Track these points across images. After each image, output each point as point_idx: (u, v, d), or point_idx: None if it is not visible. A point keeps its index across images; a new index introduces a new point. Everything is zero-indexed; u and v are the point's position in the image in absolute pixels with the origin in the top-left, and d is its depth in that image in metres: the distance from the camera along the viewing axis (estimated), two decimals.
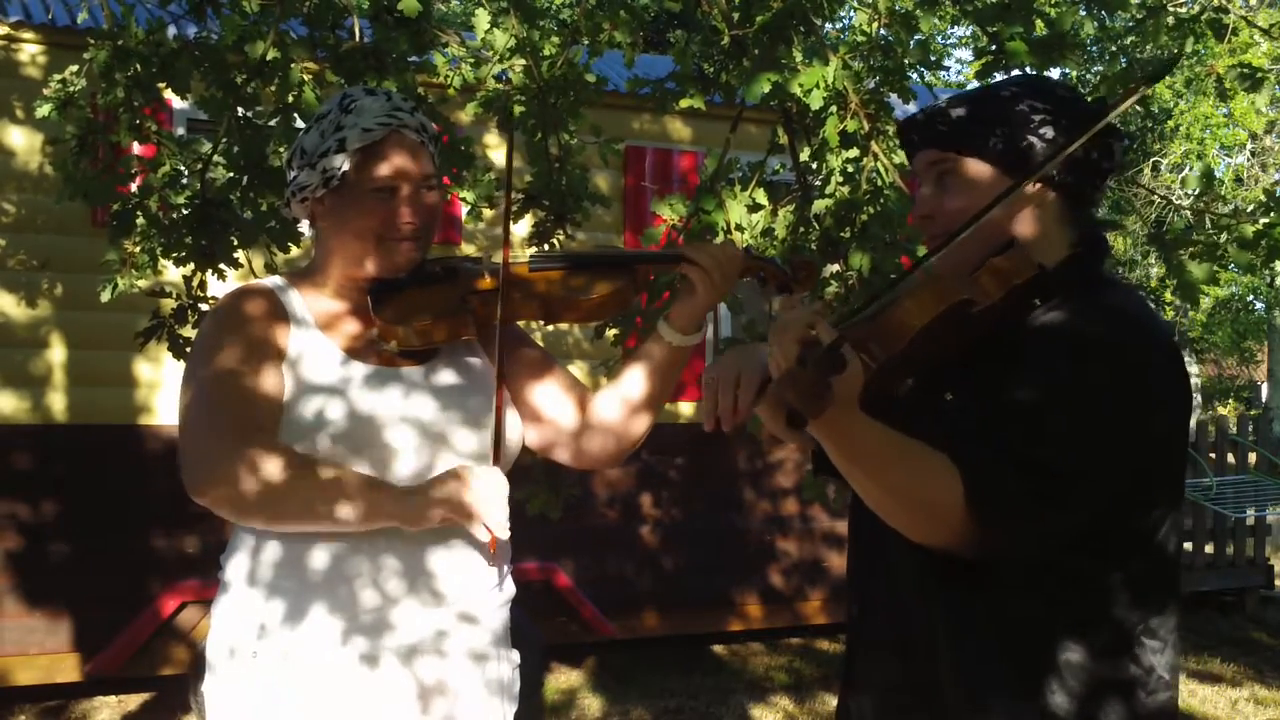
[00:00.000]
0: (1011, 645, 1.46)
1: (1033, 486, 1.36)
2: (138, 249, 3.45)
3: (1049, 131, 1.52)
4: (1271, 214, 2.71)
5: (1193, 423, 7.61)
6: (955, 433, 1.41)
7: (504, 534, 1.78)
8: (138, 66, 3.19)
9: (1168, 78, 15.68)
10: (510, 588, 1.97)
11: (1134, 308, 1.52)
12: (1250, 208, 2.82)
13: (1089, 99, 1.61)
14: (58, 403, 5.70)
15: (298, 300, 1.90)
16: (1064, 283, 1.51)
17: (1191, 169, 15.82)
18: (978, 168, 1.54)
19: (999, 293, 1.45)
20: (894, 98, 3.10)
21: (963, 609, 1.47)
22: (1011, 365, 1.45)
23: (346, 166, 1.85)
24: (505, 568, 1.95)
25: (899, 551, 1.50)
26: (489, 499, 1.77)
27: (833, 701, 5.85)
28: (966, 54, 19.52)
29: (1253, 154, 16.45)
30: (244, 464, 1.70)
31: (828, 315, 1.36)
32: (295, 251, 3.41)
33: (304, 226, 2.00)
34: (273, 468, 1.71)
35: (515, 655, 1.98)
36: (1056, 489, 1.37)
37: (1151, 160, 16.28)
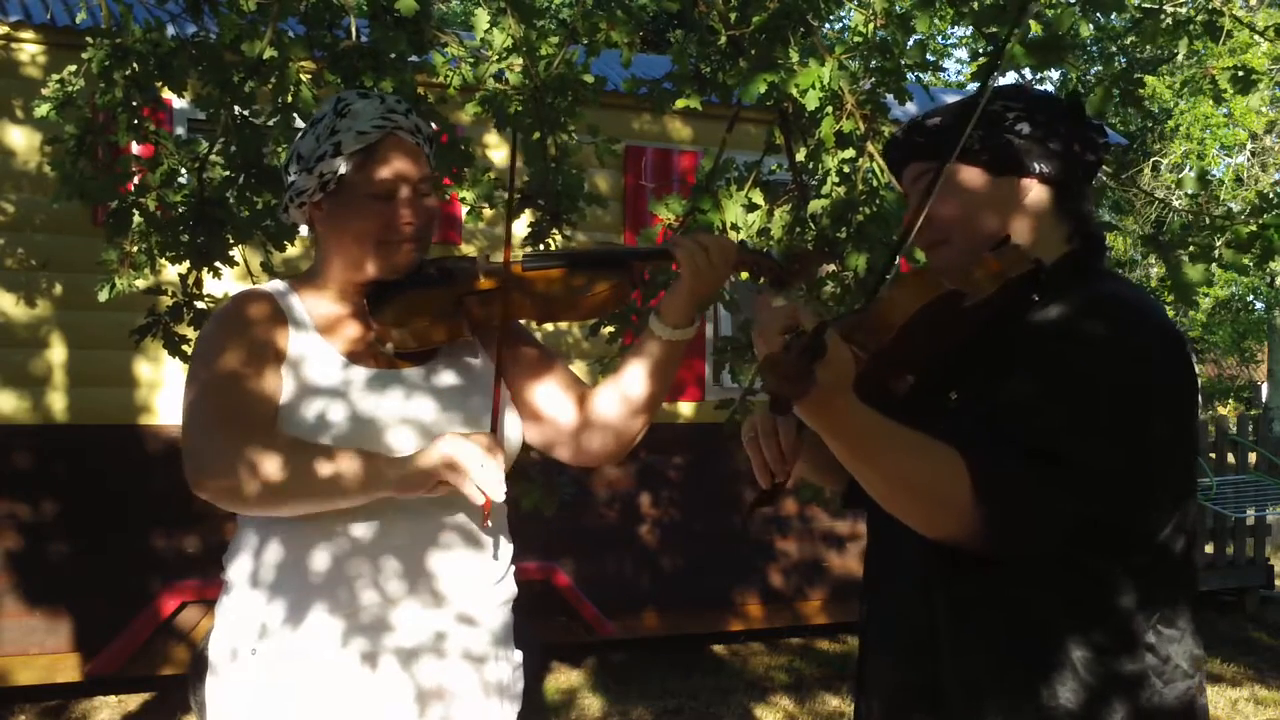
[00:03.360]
0: (1020, 641, 1.45)
1: (1039, 474, 1.36)
2: (135, 248, 3.45)
3: (1025, 128, 1.55)
4: (1265, 215, 2.71)
5: None
6: (960, 425, 1.41)
7: (498, 496, 1.73)
8: (135, 66, 3.20)
9: (1167, 78, 15.68)
10: (511, 587, 1.97)
11: (1130, 296, 1.51)
12: (1246, 209, 2.82)
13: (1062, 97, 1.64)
14: (58, 403, 5.71)
15: (298, 304, 1.91)
16: (1062, 278, 1.51)
17: (1191, 169, 15.81)
18: (965, 172, 1.57)
19: (992, 286, 1.45)
20: (890, 98, 3.10)
21: (969, 605, 1.47)
22: (1011, 361, 1.45)
23: (343, 170, 1.85)
24: (508, 566, 1.95)
25: (909, 549, 1.50)
26: (483, 457, 1.71)
27: (833, 701, 5.86)
28: (965, 54, 19.52)
29: (1253, 154, 16.44)
30: (241, 456, 1.71)
31: (816, 309, 1.36)
32: (292, 250, 3.42)
33: (303, 230, 2.00)
34: (269, 457, 1.71)
35: (517, 655, 1.98)
36: (1062, 477, 1.36)
37: (1151, 160, 16.27)
